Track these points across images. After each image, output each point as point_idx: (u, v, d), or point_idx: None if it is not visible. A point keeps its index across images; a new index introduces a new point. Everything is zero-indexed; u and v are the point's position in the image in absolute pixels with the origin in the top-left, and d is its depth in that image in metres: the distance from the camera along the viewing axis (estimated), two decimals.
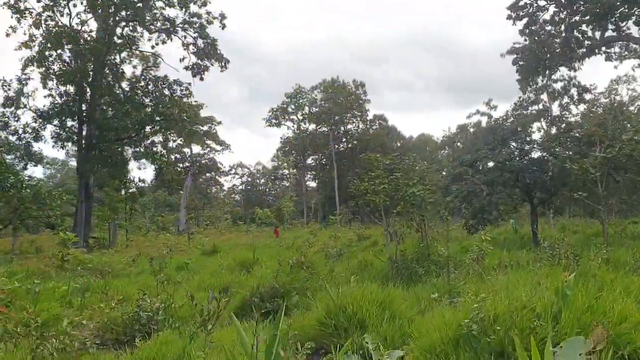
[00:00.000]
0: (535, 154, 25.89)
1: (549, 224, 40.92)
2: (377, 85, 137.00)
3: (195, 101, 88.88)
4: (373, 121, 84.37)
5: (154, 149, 31.94)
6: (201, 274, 14.80)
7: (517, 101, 27.29)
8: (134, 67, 45.53)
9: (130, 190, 32.78)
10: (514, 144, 24.83)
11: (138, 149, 30.93)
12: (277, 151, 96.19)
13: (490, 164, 23.80)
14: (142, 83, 32.38)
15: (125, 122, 29.69)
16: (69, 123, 31.35)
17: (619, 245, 20.18)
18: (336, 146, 77.07)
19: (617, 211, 52.11)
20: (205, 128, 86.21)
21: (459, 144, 25.79)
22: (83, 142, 31.62)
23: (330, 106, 75.27)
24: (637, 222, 39.55)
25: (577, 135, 22.88)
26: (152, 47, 39.12)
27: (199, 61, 33.75)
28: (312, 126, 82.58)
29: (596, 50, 29.53)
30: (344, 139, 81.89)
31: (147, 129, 31.60)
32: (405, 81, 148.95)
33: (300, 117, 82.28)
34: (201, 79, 35.40)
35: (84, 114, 31.72)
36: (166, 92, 32.14)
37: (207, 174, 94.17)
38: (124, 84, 33.53)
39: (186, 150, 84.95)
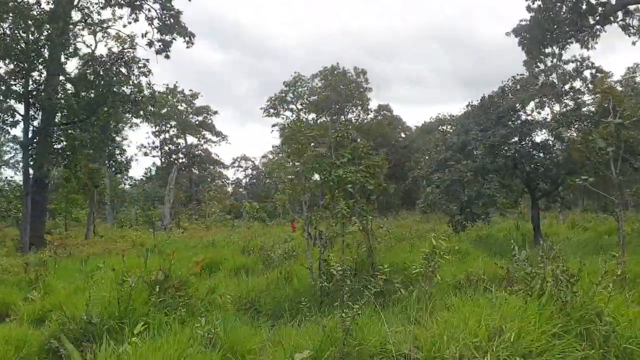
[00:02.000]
0: (539, 137, 21.96)
1: (558, 219, 36.78)
2: (389, 79, 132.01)
3: (190, 90, 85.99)
4: (377, 111, 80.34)
5: (108, 134, 28.22)
6: (68, 289, 11.03)
7: (516, 74, 23.15)
8: (110, 49, 42.16)
9: (83, 181, 29.25)
10: (512, 124, 20.87)
11: (87, 134, 27.27)
12: (281, 143, 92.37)
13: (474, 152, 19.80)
14: (97, 61, 28.65)
15: (71, 103, 26.02)
16: (8, 104, 27.64)
17: (636, 247, 16.16)
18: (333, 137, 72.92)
19: (633, 205, 47.84)
20: (200, 118, 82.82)
21: (449, 127, 22.20)
22: (30, 126, 28.08)
23: (329, 94, 71.24)
24: None
25: (587, 112, 18.86)
26: (124, 25, 35.71)
27: (161, 35, 30.06)
28: (312, 116, 78.72)
29: (611, 18, 25.34)
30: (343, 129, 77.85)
31: (102, 110, 27.88)
32: (418, 75, 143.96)
33: (300, 107, 78.40)
34: (167, 56, 31.72)
35: (31, 95, 28.13)
36: (123, 70, 28.49)
37: (210, 167, 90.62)
38: (78, 62, 29.92)
39: (180, 141, 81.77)
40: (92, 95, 28.03)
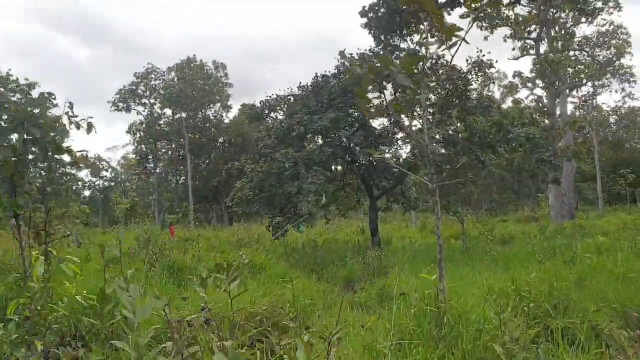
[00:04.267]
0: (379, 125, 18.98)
1: (411, 221, 34.91)
2: (269, 83, 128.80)
3: (26, 79, 75.82)
4: (241, 110, 76.11)
5: None
6: None
7: (356, 51, 19.95)
8: None
9: None
10: (348, 109, 17.57)
11: None
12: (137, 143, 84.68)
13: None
14: None
15: None
16: None
17: (478, 256, 13.39)
18: (190, 135, 67.64)
19: (488, 209, 47.76)
20: (37, 111, 72.79)
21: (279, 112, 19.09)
22: None
23: (182, 87, 65.70)
24: (506, 221, 34.64)
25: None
26: None
27: None
28: (167, 111, 72.56)
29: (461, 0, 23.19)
30: (202, 127, 72.74)
31: None
32: (297, 78, 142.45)
33: (153, 101, 71.81)
34: None
35: None
36: None
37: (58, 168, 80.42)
38: None
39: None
40: None
